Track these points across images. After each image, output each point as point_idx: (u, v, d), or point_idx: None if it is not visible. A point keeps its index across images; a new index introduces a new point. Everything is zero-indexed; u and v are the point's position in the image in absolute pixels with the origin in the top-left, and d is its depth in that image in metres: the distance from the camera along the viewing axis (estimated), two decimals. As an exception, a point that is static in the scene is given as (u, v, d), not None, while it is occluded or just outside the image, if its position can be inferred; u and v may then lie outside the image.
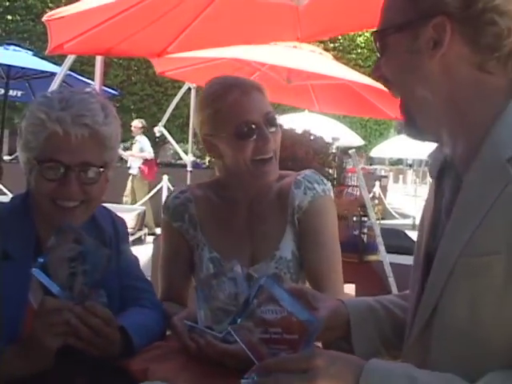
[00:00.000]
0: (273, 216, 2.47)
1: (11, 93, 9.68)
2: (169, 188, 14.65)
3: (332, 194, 2.56)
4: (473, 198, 1.42)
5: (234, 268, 2.11)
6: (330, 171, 5.81)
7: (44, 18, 4.60)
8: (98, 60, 6.26)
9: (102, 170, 2.10)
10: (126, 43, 5.21)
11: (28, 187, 2.16)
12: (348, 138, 13.04)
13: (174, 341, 2.11)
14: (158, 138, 16.98)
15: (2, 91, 9.62)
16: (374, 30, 1.57)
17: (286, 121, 9.53)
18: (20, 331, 1.95)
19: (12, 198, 2.25)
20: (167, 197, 2.70)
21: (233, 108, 2.38)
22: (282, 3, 4.93)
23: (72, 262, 1.85)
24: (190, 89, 11.49)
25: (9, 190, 10.94)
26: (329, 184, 2.57)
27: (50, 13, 4.84)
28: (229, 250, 2.44)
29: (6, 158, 18.56)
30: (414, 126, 1.57)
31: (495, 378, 1.31)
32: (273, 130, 2.38)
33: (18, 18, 20.64)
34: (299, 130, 5.93)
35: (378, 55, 1.59)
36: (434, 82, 1.48)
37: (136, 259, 2.48)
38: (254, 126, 2.35)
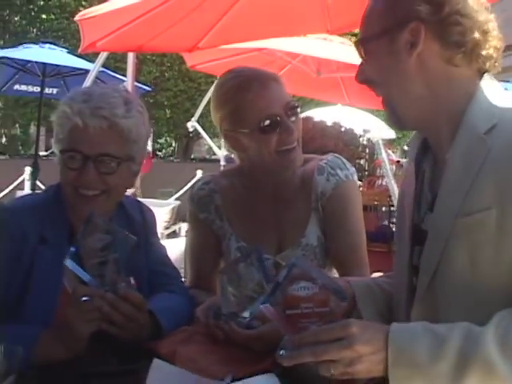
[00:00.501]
0: (297, 203, 2.49)
1: (47, 90, 9.85)
2: (203, 183, 14.83)
3: (356, 178, 2.59)
4: (459, 169, 1.68)
5: (257, 254, 2.13)
6: (361, 162, 5.85)
7: (76, 18, 4.71)
8: (130, 57, 6.34)
9: (121, 161, 2.17)
10: (157, 40, 5.27)
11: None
12: (381, 130, 13.07)
13: (200, 325, 2.18)
14: (191, 133, 17.06)
15: (38, 89, 9.78)
16: (356, 39, 1.82)
17: (318, 113, 9.55)
18: (55, 312, 2.06)
19: (46, 189, 2.37)
20: (192, 187, 2.75)
21: (254, 103, 2.39)
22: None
23: (102, 251, 1.94)
24: (222, 84, 11.54)
25: (45, 186, 11.11)
26: (352, 168, 2.59)
27: (81, 12, 4.93)
28: (256, 239, 2.48)
29: (42, 153, 18.88)
30: (396, 118, 1.81)
31: (504, 317, 1.51)
32: (294, 118, 2.40)
33: (53, 16, 20.84)
34: (330, 123, 5.98)
35: (361, 60, 1.81)
36: (412, 77, 1.73)
37: (163, 247, 2.59)
38: (276, 119, 2.36)
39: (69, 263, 1.90)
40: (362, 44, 1.81)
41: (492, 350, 1.45)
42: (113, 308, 1.91)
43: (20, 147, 25.09)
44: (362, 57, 1.83)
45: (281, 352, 1.58)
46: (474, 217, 1.60)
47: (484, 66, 1.74)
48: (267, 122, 2.37)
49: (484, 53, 1.72)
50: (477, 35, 1.68)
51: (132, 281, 2.07)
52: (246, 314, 2.00)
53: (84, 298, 1.89)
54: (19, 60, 9.29)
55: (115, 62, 15.74)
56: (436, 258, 1.69)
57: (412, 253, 1.86)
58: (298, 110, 2.45)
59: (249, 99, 2.39)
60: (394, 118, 1.82)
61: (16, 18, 20.74)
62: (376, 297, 2.02)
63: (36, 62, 9.21)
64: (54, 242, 2.15)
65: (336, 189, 2.45)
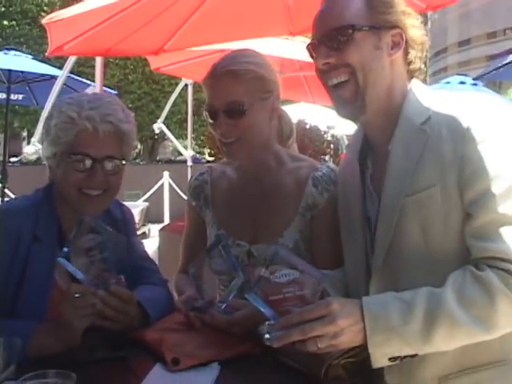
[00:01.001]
0: (285, 203, 2.55)
1: (12, 97, 9.79)
2: (170, 184, 14.87)
3: None
4: (402, 155, 1.95)
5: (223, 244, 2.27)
6: (326, 158, 6.00)
7: (44, 21, 4.71)
8: (98, 61, 6.32)
9: (122, 162, 2.36)
10: (124, 43, 5.34)
11: (51, 180, 2.43)
12: (344, 126, 13.24)
13: (178, 315, 2.34)
14: (157, 135, 17.11)
15: (4, 96, 9.76)
16: (339, 25, 1.97)
17: (286, 110, 9.72)
18: (47, 307, 2.21)
19: (35, 191, 2.48)
20: (190, 178, 2.90)
21: (205, 87, 2.50)
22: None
23: (93, 250, 2.08)
24: (186, 85, 11.62)
25: (13, 193, 11.10)
26: None
27: (49, 16, 4.90)
28: (235, 228, 2.59)
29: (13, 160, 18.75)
30: (361, 104, 2.00)
31: (457, 276, 1.77)
32: (237, 116, 2.40)
33: (14, 22, 20.77)
34: (295, 120, 6.11)
35: (334, 45, 1.98)
36: (385, 73, 2.01)
37: (142, 243, 2.79)
38: (214, 111, 2.44)
39: (62, 262, 2.03)
40: (345, 30, 1.96)
41: (452, 305, 1.70)
42: (105, 304, 2.06)
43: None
44: (338, 41, 1.97)
45: (267, 336, 1.76)
46: (422, 194, 1.86)
47: (414, 72, 2.09)
48: (207, 110, 2.48)
49: (418, 65, 2.09)
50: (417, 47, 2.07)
51: (122, 278, 2.20)
52: (221, 306, 2.17)
53: (77, 295, 2.02)
54: (-16, 67, 9.26)
55: (78, 67, 15.75)
56: (389, 235, 1.95)
57: (366, 240, 2.10)
58: (245, 112, 2.41)
59: (203, 82, 2.50)
60: (359, 103, 2.00)
61: (-23, 26, 20.62)
62: (337, 286, 2.22)
63: (1, 69, 9.18)
64: (45, 241, 2.29)
65: (329, 203, 2.48)
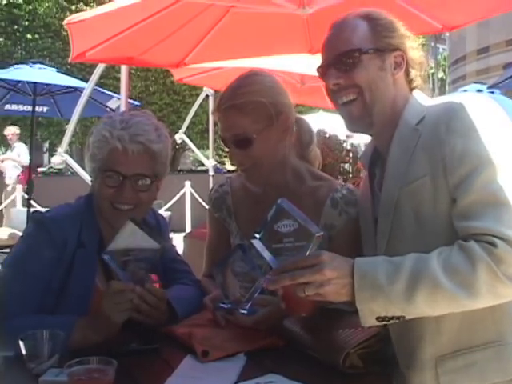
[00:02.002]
0: None
1: (37, 109, 9.94)
2: (191, 193, 14.97)
3: None
4: (398, 153, 2.16)
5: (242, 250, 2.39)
6: (346, 166, 6.08)
7: (65, 22, 4.70)
8: (123, 72, 6.33)
9: (153, 180, 2.51)
10: (147, 54, 5.45)
11: (92, 191, 2.60)
12: (362, 135, 13.31)
13: (207, 313, 2.49)
14: (178, 145, 17.20)
15: (29, 108, 9.92)
16: (347, 49, 2.18)
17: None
18: (88, 306, 2.39)
19: (76, 200, 2.66)
20: (211, 190, 3.00)
21: (217, 120, 2.61)
22: (291, 15, 5.11)
23: (132, 251, 2.23)
24: (207, 96, 11.71)
25: (37, 202, 11.26)
26: None
27: (70, 17, 4.89)
28: None
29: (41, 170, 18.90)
30: (369, 120, 2.20)
31: (444, 249, 1.89)
32: (245, 147, 2.50)
33: (37, 36, 20.99)
34: (314, 129, 6.19)
35: (343, 67, 2.19)
36: (390, 90, 2.21)
37: (174, 247, 2.98)
38: (226, 143, 2.57)
39: (107, 259, 2.21)
40: (353, 53, 2.17)
41: (436, 269, 1.82)
42: (141, 299, 2.21)
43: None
44: (346, 64, 2.18)
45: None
46: (414, 184, 2.05)
47: (415, 88, 2.29)
48: (224, 141, 2.59)
49: (419, 82, 2.30)
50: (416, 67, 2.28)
51: (156, 277, 2.38)
52: (246, 305, 2.29)
53: (117, 291, 2.19)
54: (10, 80, 9.40)
55: (100, 78, 15.85)
56: (388, 226, 2.15)
57: (375, 234, 2.25)
58: (252, 142, 2.49)
59: (215, 117, 2.62)
60: (367, 119, 2.20)
61: (0, 39, 20.78)
62: None
63: (27, 82, 9.35)
64: (88, 246, 2.47)
65: (347, 225, 2.52)
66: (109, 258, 2.21)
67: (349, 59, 2.17)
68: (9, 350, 2.06)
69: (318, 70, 2.32)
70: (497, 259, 1.77)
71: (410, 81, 2.28)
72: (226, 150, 2.63)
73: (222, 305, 2.38)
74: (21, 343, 1.89)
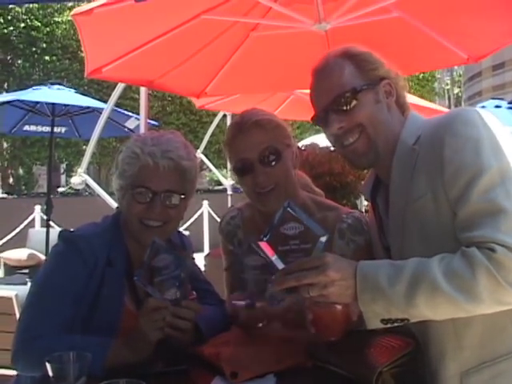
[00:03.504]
0: None
1: (56, 130, 9.98)
2: (209, 212, 15.00)
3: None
4: (400, 175, 2.20)
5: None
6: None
7: (71, 14, 4.24)
8: (143, 93, 6.38)
9: (182, 197, 2.52)
10: (167, 77, 5.37)
11: (119, 209, 2.62)
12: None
13: (236, 330, 2.48)
14: (196, 164, 17.21)
15: (48, 129, 9.96)
16: (342, 92, 2.22)
17: (322, 139, 9.86)
18: (118, 326, 2.38)
19: (103, 219, 2.66)
20: (221, 219, 3.01)
21: (231, 146, 2.63)
22: (310, 36, 5.07)
23: (165, 269, 2.23)
24: (225, 115, 11.74)
25: (55, 223, 11.30)
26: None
27: (76, 9, 4.29)
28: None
29: (60, 190, 18.98)
30: (376, 154, 2.26)
31: (445, 255, 1.90)
32: (273, 163, 2.55)
33: (55, 58, 21.20)
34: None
35: (343, 109, 2.23)
36: (388, 118, 2.27)
37: (198, 267, 2.95)
38: (248, 164, 2.55)
39: (138, 281, 2.22)
40: (351, 95, 2.22)
41: (437, 273, 1.84)
42: (175, 316, 2.21)
43: (23, 187, 25.28)
44: (346, 105, 2.22)
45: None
46: (418, 203, 2.09)
47: (404, 108, 2.35)
48: (240, 166, 2.59)
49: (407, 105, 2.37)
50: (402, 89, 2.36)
51: (194, 293, 2.44)
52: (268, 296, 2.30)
53: (152, 310, 2.19)
54: (29, 102, 9.43)
55: (117, 99, 16.01)
56: (399, 248, 2.19)
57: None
58: (280, 156, 2.57)
59: (227, 142, 2.64)
60: (373, 154, 2.25)
61: (19, 61, 21.05)
62: None
63: (45, 103, 9.40)
64: (117, 265, 2.47)
65: (355, 254, 2.50)
66: (140, 280, 2.22)
67: (346, 100, 2.22)
68: (38, 370, 2.05)
69: (313, 119, 2.35)
70: (496, 264, 1.79)
71: (401, 105, 2.34)
72: (239, 178, 2.64)
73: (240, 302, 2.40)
74: (47, 365, 1.87)
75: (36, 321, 2.32)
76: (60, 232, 2.51)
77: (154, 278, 2.23)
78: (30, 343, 2.24)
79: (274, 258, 1.98)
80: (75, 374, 1.89)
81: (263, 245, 2.00)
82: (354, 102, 2.22)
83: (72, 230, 2.56)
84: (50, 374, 1.88)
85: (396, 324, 1.92)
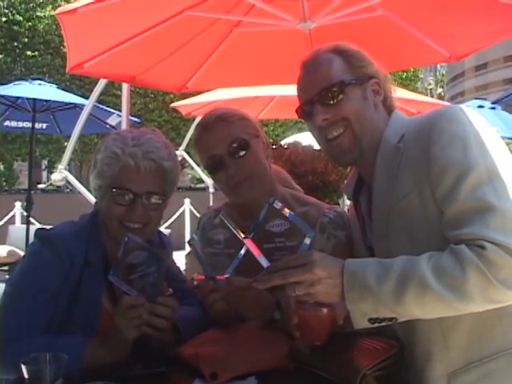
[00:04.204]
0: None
1: (37, 125, 9.90)
2: (191, 210, 14.96)
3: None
4: (384, 173, 2.18)
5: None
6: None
7: (56, 12, 4.14)
8: (125, 90, 6.34)
9: (163, 198, 2.47)
10: (149, 73, 5.31)
11: (97, 208, 2.56)
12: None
13: (215, 330, 2.42)
14: (178, 162, 17.17)
15: (29, 124, 9.89)
16: (329, 84, 2.22)
17: (305, 137, 9.85)
18: (96, 326, 2.33)
19: (81, 217, 2.60)
20: (199, 221, 2.97)
21: (198, 145, 2.63)
22: (294, 34, 5.06)
23: (139, 266, 2.18)
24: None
25: (36, 219, 11.22)
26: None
27: (61, 8, 4.27)
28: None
29: (41, 186, 18.92)
30: (360, 150, 2.24)
31: (433, 254, 1.87)
32: (242, 154, 2.55)
33: (37, 53, 21.08)
34: (317, 146, 6.16)
35: (329, 102, 2.22)
36: (374, 116, 2.26)
37: (178, 266, 2.89)
38: (218, 159, 2.54)
39: (113, 279, 2.16)
40: (339, 87, 2.22)
41: (426, 271, 1.81)
42: (151, 314, 2.15)
43: (4, 183, 25.11)
44: (332, 98, 2.22)
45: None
46: (403, 202, 2.07)
47: (391, 110, 2.34)
48: (210, 163, 2.58)
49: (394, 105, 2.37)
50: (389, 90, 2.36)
51: (170, 290, 2.39)
52: (230, 271, 2.19)
53: (128, 307, 2.14)
54: (10, 97, 9.39)
55: (100, 95, 15.91)
56: (384, 245, 2.16)
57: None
58: (248, 146, 2.56)
59: (195, 142, 2.65)
60: (358, 150, 2.24)
61: (0, 56, 20.89)
62: None
63: (26, 98, 9.33)
64: (95, 265, 2.41)
65: (336, 249, 2.49)
66: (115, 278, 2.16)
67: (333, 93, 2.21)
68: (13, 372, 2.00)
69: (298, 111, 2.34)
70: (487, 262, 1.77)
71: (387, 106, 2.34)
72: (213, 176, 2.63)
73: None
74: (23, 367, 1.82)
75: (11, 322, 2.26)
76: (36, 230, 2.47)
77: (129, 276, 2.19)
78: (4, 345, 2.19)
79: (258, 255, 1.94)
80: (51, 375, 1.84)
81: (248, 242, 1.96)
82: (341, 96, 2.21)
83: (48, 228, 2.51)
84: (26, 376, 1.83)
85: (384, 323, 1.89)
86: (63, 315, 2.33)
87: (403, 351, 2.08)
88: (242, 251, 2.08)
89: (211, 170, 2.60)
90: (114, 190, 2.41)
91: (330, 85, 2.21)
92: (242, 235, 1.99)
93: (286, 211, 1.96)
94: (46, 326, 2.29)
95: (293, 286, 1.85)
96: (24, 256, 2.50)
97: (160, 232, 2.82)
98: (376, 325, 1.89)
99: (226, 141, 2.54)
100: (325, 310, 1.95)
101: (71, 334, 2.28)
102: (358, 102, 2.23)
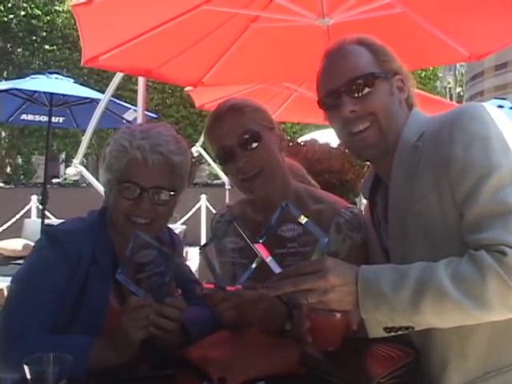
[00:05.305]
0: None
1: (53, 119, 9.90)
2: (207, 207, 14.94)
3: None
4: (401, 172, 2.09)
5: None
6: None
7: (71, 3, 4.26)
8: (141, 84, 6.33)
9: (172, 193, 2.40)
10: (165, 67, 5.29)
11: (105, 204, 2.50)
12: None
13: (224, 332, 2.36)
14: (194, 158, 17.20)
15: (45, 118, 9.89)
16: (359, 75, 2.13)
17: (323, 135, 9.78)
18: (103, 326, 2.28)
19: (89, 213, 2.54)
20: (213, 218, 2.92)
21: (210, 136, 2.57)
22: (311, 30, 5.02)
23: (148, 265, 2.12)
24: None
25: (51, 213, 11.24)
26: None
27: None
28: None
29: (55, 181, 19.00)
30: (385, 145, 2.16)
31: (452, 259, 1.80)
32: (254, 146, 2.47)
33: (55, 47, 21.16)
34: (335, 144, 6.11)
35: (358, 94, 2.14)
36: (398, 112, 2.19)
37: (188, 266, 2.85)
38: (229, 150, 2.47)
39: (120, 278, 2.09)
40: (369, 78, 2.13)
41: (444, 277, 1.74)
42: (158, 315, 2.08)
43: (22, 176, 25.23)
44: (361, 90, 2.13)
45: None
46: (421, 203, 1.99)
47: (412, 108, 2.26)
48: (220, 154, 2.52)
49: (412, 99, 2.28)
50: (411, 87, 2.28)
51: (178, 291, 2.32)
52: (241, 282, 2.12)
53: (135, 308, 2.07)
54: (27, 90, 9.36)
55: (117, 90, 15.91)
56: (400, 252, 2.08)
57: (387, 259, 2.19)
58: (260, 138, 2.49)
59: (207, 132, 2.58)
60: (383, 145, 2.16)
61: (19, 50, 21.01)
62: None
63: (43, 92, 9.31)
64: (102, 263, 2.35)
65: (351, 251, 2.43)
66: (123, 277, 2.10)
67: (362, 85, 2.13)
68: (18, 372, 1.94)
69: (320, 101, 2.25)
70: (507, 268, 1.70)
71: (409, 104, 2.26)
72: (223, 166, 2.56)
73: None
74: (25, 367, 1.77)
75: (16, 320, 2.22)
76: (43, 227, 2.42)
77: (138, 275, 2.15)
78: (9, 343, 2.15)
79: (270, 261, 1.87)
80: (55, 377, 1.79)
81: (259, 247, 1.89)
82: (370, 89, 2.13)
83: (56, 224, 2.46)
84: (28, 376, 1.79)
85: (400, 332, 1.82)
86: (69, 313, 2.28)
87: (419, 359, 2.01)
88: (254, 265, 2.01)
89: (221, 161, 2.54)
90: (121, 183, 2.35)
91: (359, 76, 2.13)
92: (255, 245, 1.91)
93: (299, 216, 1.88)
94: (51, 324, 2.24)
95: (305, 294, 1.78)
96: (30, 253, 2.43)
97: (171, 230, 2.76)
98: (392, 334, 1.82)
99: (238, 132, 2.47)
100: (338, 315, 1.88)
101: (77, 333, 2.23)
102: (386, 96, 2.15)
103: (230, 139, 2.46)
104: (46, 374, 1.78)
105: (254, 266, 2.01)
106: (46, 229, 2.41)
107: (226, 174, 2.59)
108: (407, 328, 1.81)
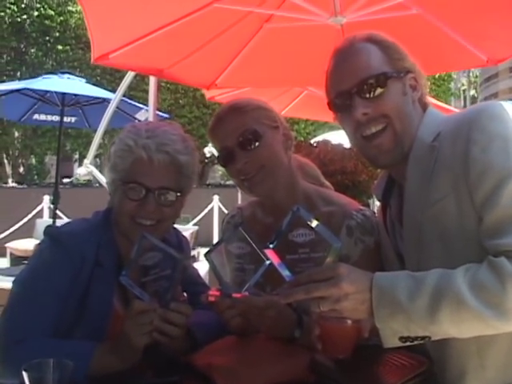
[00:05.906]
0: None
1: (65, 119, 9.93)
2: (219, 207, 14.93)
3: None
4: (417, 173, 2.01)
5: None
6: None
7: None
8: (152, 84, 6.31)
9: (178, 194, 2.32)
10: (177, 67, 5.24)
11: (110, 205, 2.42)
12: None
13: (230, 338, 2.29)
14: (207, 159, 17.17)
15: (57, 118, 9.91)
16: (370, 75, 2.04)
17: (335, 136, 9.72)
18: (106, 330, 2.21)
19: (94, 213, 2.48)
20: (223, 219, 2.86)
21: (212, 137, 2.49)
22: (325, 30, 4.95)
23: (153, 268, 2.06)
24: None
25: (63, 213, 11.24)
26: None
27: None
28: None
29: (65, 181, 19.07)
30: (401, 152, 2.07)
31: (470, 266, 1.73)
32: (254, 145, 2.40)
33: (68, 47, 21.25)
34: (348, 145, 6.05)
35: (370, 95, 2.05)
36: (412, 113, 2.10)
37: (195, 268, 2.77)
38: (229, 151, 2.40)
39: (124, 281, 2.02)
40: (382, 79, 2.05)
41: (462, 286, 1.67)
42: (163, 320, 2.01)
43: (35, 176, 25.31)
44: (374, 91, 2.04)
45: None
46: (437, 205, 1.91)
47: (425, 108, 2.17)
48: (221, 155, 2.45)
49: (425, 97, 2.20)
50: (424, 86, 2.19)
51: (184, 295, 2.29)
52: (247, 288, 2.06)
53: (139, 313, 2.01)
54: (39, 90, 9.40)
55: (130, 91, 15.98)
56: (415, 256, 2.00)
57: (401, 263, 2.13)
58: (260, 138, 2.41)
59: (210, 133, 2.50)
60: (399, 151, 2.07)
61: (32, 50, 21.13)
62: None
63: (55, 92, 9.34)
64: (106, 265, 2.29)
65: (363, 255, 2.37)
66: (127, 280, 2.03)
67: (374, 86, 2.05)
68: (20, 377, 1.89)
69: (331, 103, 2.17)
70: None
71: (423, 104, 2.17)
72: (225, 168, 2.49)
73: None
74: (24, 374, 1.72)
75: (18, 323, 2.16)
76: (45, 228, 2.36)
77: (143, 278, 2.08)
78: (10, 347, 2.09)
79: (278, 264, 1.80)
80: (55, 383, 1.74)
81: (269, 253, 1.82)
82: (382, 89, 2.04)
83: (59, 225, 2.40)
84: (27, 383, 1.74)
85: (416, 342, 1.74)
86: (72, 316, 2.22)
87: (433, 369, 1.93)
88: (260, 272, 1.94)
89: (222, 163, 2.47)
90: (125, 184, 2.28)
91: (371, 76, 2.04)
92: (263, 252, 1.85)
93: (311, 220, 1.81)
94: (53, 327, 2.18)
95: (317, 301, 1.71)
96: (33, 254, 2.38)
97: (178, 232, 2.69)
98: (407, 344, 1.75)
99: (237, 132, 2.40)
100: (349, 322, 1.80)
101: (80, 336, 2.18)
102: (399, 97, 2.06)
103: (230, 140, 2.40)
104: (45, 381, 1.73)
105: (260, 272, 1.94)
106: (49, 230, 2.35)
107: (228, 175, 2.53)
108: (423, 338, 1.73)
